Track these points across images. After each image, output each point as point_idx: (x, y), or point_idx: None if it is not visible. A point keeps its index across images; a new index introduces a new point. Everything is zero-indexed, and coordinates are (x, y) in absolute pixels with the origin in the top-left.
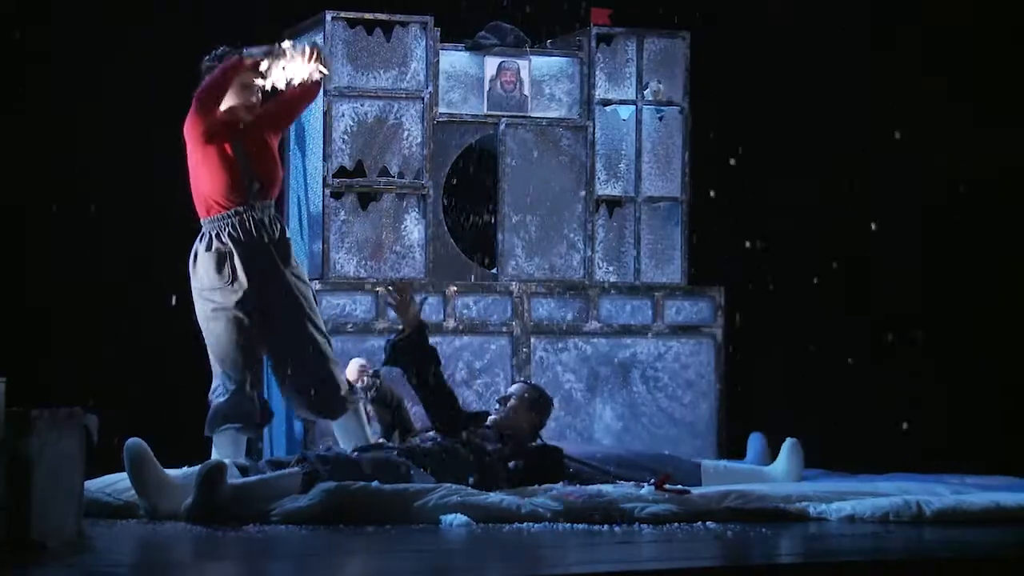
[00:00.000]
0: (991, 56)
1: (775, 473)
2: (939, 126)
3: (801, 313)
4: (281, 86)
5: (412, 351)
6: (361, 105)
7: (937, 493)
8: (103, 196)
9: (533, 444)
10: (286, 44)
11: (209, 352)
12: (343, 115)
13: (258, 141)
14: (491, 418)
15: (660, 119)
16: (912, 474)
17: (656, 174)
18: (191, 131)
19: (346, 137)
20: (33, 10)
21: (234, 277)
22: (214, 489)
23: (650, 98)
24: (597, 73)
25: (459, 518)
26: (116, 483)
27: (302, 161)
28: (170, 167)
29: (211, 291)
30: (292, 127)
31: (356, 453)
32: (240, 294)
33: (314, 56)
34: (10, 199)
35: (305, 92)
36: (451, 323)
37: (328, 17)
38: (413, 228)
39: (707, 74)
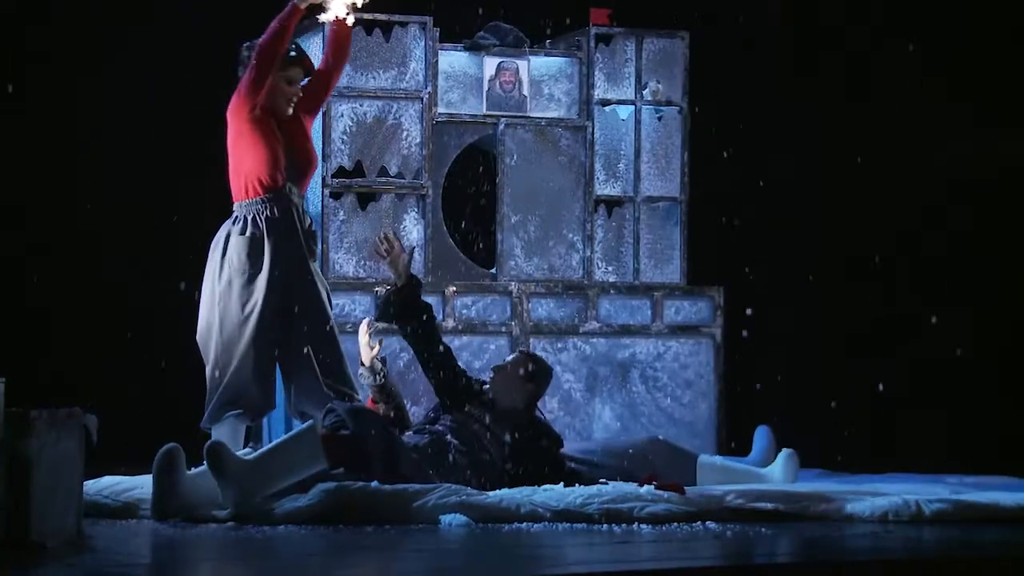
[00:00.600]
0: (991, 56)
1: (771, 477)
2: (939, 126)
3: (801, 313)
4: (342, 15)
5: (405, 305)
6: (360, 105)
7: (937, 493)
8: (103, 196)
9: (533, 430)
10: None
11: (210, 334)
12: (342, 115)
13: (297, 129)
14: (485, 387)
15: (659, 119)
16: (912, 474)
17: (655, 174)
18: (239, 108)
19: (345, 137)
20: (33, 10)
21: (260, 268)
22: (171, 474)
23: (649, 98)
24: (596, 73)
25: (459, 518)
26: (115, 485)
27: None
28: (171, 167)
29: (237, 274)
30: None
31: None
32: (263, 284)
33: None
34: (10, 199)
35: (338, 61)
36: (450, 323)
37: None
38: (412, 228)
39: (707, 74)
